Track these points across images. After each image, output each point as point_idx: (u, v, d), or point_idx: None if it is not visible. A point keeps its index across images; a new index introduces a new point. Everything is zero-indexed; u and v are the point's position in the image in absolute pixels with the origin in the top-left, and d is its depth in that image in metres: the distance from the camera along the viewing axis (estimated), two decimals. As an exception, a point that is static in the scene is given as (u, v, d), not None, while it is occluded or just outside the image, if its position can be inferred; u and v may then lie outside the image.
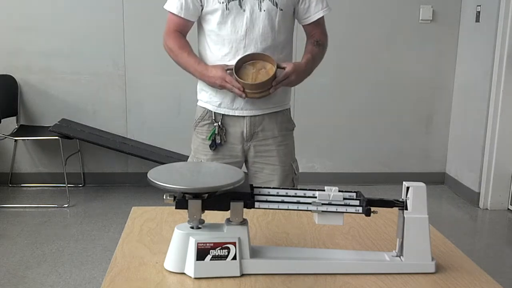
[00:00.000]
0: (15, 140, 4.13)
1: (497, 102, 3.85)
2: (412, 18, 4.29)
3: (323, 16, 1.96)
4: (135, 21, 4.10)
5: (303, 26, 1.99)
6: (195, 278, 1.12)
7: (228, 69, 1.82)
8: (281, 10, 1.86)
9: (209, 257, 1.12)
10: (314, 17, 1.94)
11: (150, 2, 3.98)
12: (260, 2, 1.83)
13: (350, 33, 4.26)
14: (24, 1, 4.03)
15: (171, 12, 1.91)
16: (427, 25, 4.30)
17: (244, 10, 1.83)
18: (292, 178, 2.02)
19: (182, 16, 1.89)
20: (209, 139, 1.93)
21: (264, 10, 1.84)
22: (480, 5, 3.99)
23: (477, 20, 4.03)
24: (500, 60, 3.79)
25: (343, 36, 4.22)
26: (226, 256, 1.12)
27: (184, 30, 1.94)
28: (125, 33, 4.11)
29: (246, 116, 1.92)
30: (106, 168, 4.32)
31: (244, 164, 2.01)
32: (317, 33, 1.99)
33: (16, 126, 4.12)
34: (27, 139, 4.15)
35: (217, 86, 1.85)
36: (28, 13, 4.04)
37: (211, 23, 1.87)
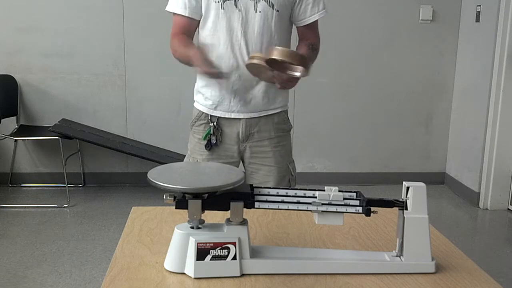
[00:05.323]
0: (15, 140, 4.13)
1: (497, 102, 3.85)
2: (412, 18, 4.29)
3: (317, 19, 1.95)
4: (135, 21, 4.10)
5: (297, 27, 1.97)
6: (195, 278, 1.12)
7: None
8: (277, 11, 1.84)
9: (209, 257, 1.12)
10: (310, 19, 1.92)
11: (150, 2, 3.99)
12: (256, 2, 1.81)
13: (350, 33, 4.26)
14: (24, 1, 4.03)
15: (175, 14, 1.88)
16: (427, 25, 4.30)
17: (239, 10, 1.81)
18: (289, 179, 2.01)
19: (187, 15, 1.86)
20: (204, 139, 1.93)
21: (260, 11, 1.82)
22: (480, 5, 3.99)
23: (477, 20, 4.03)
24: (500, 60, 3.79)
25: (343, 36, 4.23)
26: (226, 256, 1.12)
27: (190, 30, 1.89)
28: (125, 33, 4.11)
29: (242, 118, 1.91)
30: (106, 168, 4.32)
31: (242, 164, 2.01)
32: (311, 36, 1.97)
33: (16, 126, 4.12)
34: (27, 139, 4.15)
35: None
36: (28, 13, 4.05)
37: (207, 24, 1.86)
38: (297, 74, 1.69)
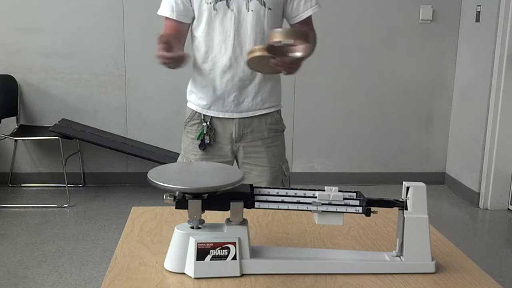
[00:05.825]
0: (15, 140, 4.13)
1: (497, 102, 3.85)
2: (412, 18, 4.29)
3: (311, 15, 1.94)
4: (135, 21, 4.10)
5: (291, 25, 1.95)
6: (195, 278, 1.12)
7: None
8: (270, 9, 1.84)
9: (209, 257, 1.12)
10: (303, 15, 1.91)
11: (150, 2, 3.98)
12: (248, 1, 1.81)
13: (350, 33, 4.26)
14: (24, 1, 4.03)
15: (165, 17, 1.88)
16: (427, 25, 4.30)
17: (231, 10, 1.81)
18: (282, 180, 2.00)
19: (175, 18, 1.86)
20: (198, 139, 1.93)
21: (252, 10, 1.82)
22: (480, 5, 3.99)
23: (477, 20, 4.03)
24: (500, 60, 3.79)
25: (343, 36, 4.23)
26: (226, 256, 1.12)
27: (179, 33, 1.89)
28: (125, 33, 4.11)
29: (235, 118, 1.91)
30: (106, 168, 4.33)
31: (236, 164, 2.01)
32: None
33: (16, 126, 4.12)
34: (27, 139, 4.15)
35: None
36: (28, 13, 4.05)
37: (200, 26, 1.86)
38: (299, 54, 1.69)
